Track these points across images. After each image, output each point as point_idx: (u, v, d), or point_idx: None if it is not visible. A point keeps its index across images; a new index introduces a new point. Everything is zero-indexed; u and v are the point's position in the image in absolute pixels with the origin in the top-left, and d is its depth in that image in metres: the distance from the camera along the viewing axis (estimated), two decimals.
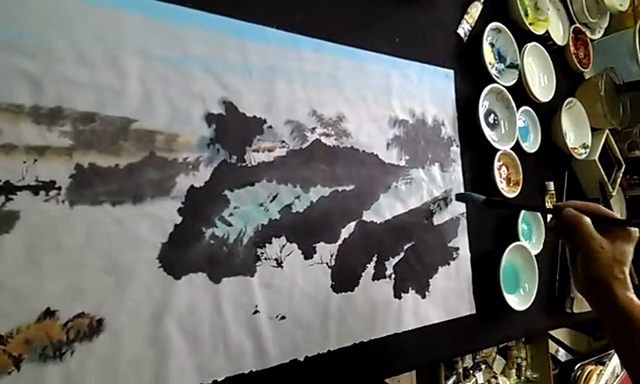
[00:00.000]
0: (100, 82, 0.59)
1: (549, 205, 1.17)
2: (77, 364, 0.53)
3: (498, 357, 1.19)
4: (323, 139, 0.78)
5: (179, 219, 0.62)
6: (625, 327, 0.58)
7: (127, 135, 0.60)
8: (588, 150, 1.25)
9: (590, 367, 1.61)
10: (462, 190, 0.97)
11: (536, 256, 1.05)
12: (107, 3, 0.60)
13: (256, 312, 0.67)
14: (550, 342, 2.12)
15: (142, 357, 0.58)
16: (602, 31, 1.44)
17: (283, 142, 0.74)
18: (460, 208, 0.96)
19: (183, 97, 0.65)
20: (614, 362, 1.66)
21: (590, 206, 0.68)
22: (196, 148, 0.65)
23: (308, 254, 0.74)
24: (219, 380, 0.63)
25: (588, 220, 0.64)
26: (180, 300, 0.61)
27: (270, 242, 0.70)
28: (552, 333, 2.08)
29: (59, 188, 0.54)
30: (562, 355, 2.26)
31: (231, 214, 0.67)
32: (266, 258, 0.69)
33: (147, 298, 0.59)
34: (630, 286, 0.60)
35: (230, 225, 0.66)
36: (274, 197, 0.71)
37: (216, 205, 0.66)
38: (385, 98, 0.88)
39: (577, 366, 1.58)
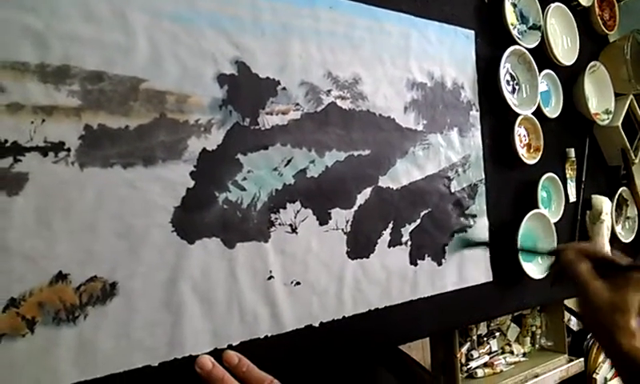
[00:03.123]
0: (107, 39, 0.56)
1: (569, 172, 1.13)
2: (90, 327, 0.53)
3: (512, 324, 1.18)
4: (339, 102, 0.76)
5: (192, 183, 0.61)
6: (632, 376, 0.56)
7: (137, 95, 0.58)
8: (611, 116, 1.21)
9: None
10: (480, 157, 0.95)
11: (555, 224, 1.02)
12: None
13: (270, 277, 0.66)
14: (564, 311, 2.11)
15: (156, 321, 0.57)
16: None
17: (297, 104, 0.71)
18: (479, 174, 0.94)
19: (193, 56, 0.62)
20: None
21: (590, 249, 0.65)
22: (208, 110, 0.63)
23: (323, 219, 0.72)
24: (234, 344, 0.62)
25: (586, 266, 0.61)
26: (194, 265, 0.60)
27: (285, 208, 0.69)
28: (565, 302, 2.07)
29: (68, 149, 0.53)
30: (574, 324, 2.24)
31: (245, 179, 0.65)
32: (280, 224, 0.68)
33: (161, 262, 0.58)
34: (637, 332, 0.56)
35: (243, 189, 0.65)
36: (289, 161, 0.69)
37: (229, 169, 0.64)
38: (403, 60, 0.85)
39: (589, 336, 1.58)
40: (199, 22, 0.63)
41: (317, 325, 0.70)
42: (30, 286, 0.49)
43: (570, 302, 2.12)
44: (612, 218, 1.18)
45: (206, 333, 0.60)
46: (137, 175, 0.57)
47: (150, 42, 0.59)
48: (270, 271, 0.66)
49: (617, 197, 1.22)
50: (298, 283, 0.69)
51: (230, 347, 0.61)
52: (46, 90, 0.52)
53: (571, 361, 1.23)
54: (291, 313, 0.67)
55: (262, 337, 0.64)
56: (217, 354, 0.59)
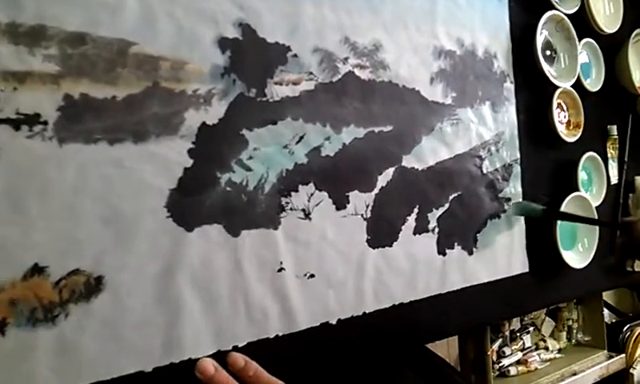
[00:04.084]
0: None
1: (610, 151, 1.03)
2: (73, 328, 0.45)
3: (547, 318, 1.09)
4: (357, 71, 0.67)
5: (190, 162, 0.53)
6: None
7: (125, 61, 0.50)
8: None
9: (639, 329, 1.51)
10: (515, 134, 0.85)
11: (597, 208, 0.93)
12: None
13: (281, 269, 0.58)
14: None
15: (150, 319, 0.50)
16: None
17: (310, 73, 0.63)
18: (513, 153, 0.85)
19: (191, 16, 0.54)
20: None
21: None
22: (208, 78, 0.55)
23: (340, 203, 0.64)
24: (240, 345, 0.55)
25: None
26: (193, 254, 0.53)
27: (296, 190, 0.61)
28: None
29: (45, 122, 0.46)
30: (606, 316, 2.14)
31: (250, 157, 0.57)
32: (291, 209, 0.60)
33: (155, 252, 0.51)
34: None
35: (249, 169, 0.57)
36: (301, 138, 0.61)
37: (233, 146, 0.56)
38: (429, 25, 0.76)
39: (625, 328, 1.49)
40: None
41: (334, 322, 0.62)
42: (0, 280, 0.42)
43: (605, 294, 2.02)
44: None
45: (207, 332, 0.53)
46: (125, 152, 0.50)
47: (141, 0, 0.52)
48: (281, 262, 0.59)
49: None
50: (313, 275, 0.61)
51: (236, 349, 0.54)
52: (18, 53, 0.45)
53: (611, 357, 1.13)
54: (305, 309, 0.60)
55: (271, 336, 0.57)
56: (220, 356, 0.52)
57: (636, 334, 1.52)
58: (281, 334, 0.58)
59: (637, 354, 1.46)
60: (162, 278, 0.51)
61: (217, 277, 0.54)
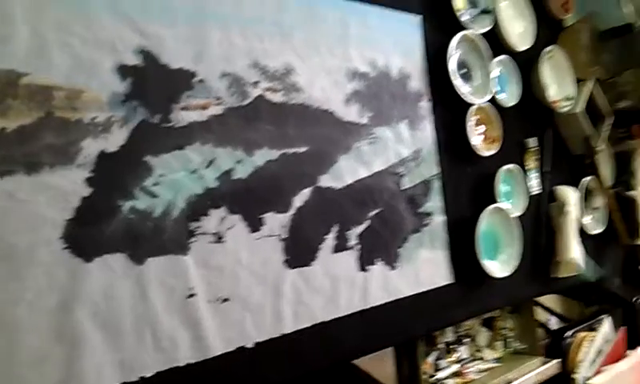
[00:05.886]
0: None
1: (530, 163, 1.08)
2: None
3: (482, 329, 1.11)
4: (268, 95, 0.68)
5: (88, 191, 0.52)
6: None
7: (16, 92, 0.50)
8: (572, 103, 1.16)
9: (581, 334, 1.56)
10: (433, 151, 0.88)
11: (518, 218, 0.96)
12: None
13: (192, 295, 0.58)
14: (542, 311, 2.07)
15: (46, 355, 0.48)
16: None
17: (219, 98, 0.64)
18: (432, 169, 0.87)
19: (88, 45, 0.54)
20: (606, 327, 1.61)
21: None
22: (106, 106, 0.55)
23: (254, 226, 0.64)
24: (148, 376, 0.53)
25: None
26: (93, 286, 0.52)
27: (207, 215, 0.61)
28: (543, 301, 2.03)
29: None
30: (554, 324, 2.21)
31: (156, 183, 0.57)
32: (202, 233, 0.60)
33: (51, 286, 0.50)
34: None
35: (154, 196, 0.57)
36: (210, 162, 0.62)
37: (135, 173, 0.56)
38: (341, 48, 0.78)
39: (568, 334, 1.53)
40: (94, 6, 0.55)
41: (251, 346, 0.62)
42: None
43: (549, 301, 2.08)
44: (579, 209, 1.13)
45: (111, 365, 0.51)
46: (17, 185, 0.49)
47: (33, 31, 0.51)
48: (191, 288, 0.58)
49: (583, 187, 1.17)
50: (227, 300, 0.61)
51: (143, 379, 0.53)
52: None
53: (546, 363, 1.16)
54: (218, 334, 0.59)
55: (182, 365, 0.56)
56: None
57: (578, 338, 1.58)
58: (193, 362, 0.57)
59: (578, 359, 1.50)
60: (59, 311, 0.50)
61: (120, 307, 0.53)
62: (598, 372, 1.45)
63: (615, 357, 1.56)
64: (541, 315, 2.03)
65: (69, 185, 0.51)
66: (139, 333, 0.54)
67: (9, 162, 0.48)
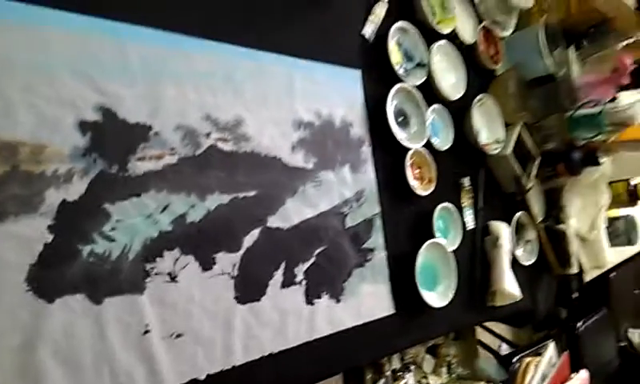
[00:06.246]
0: None
1: (465, 201, 1.18)
2: None
3: (427, 356, 1.18)
4: (220, 144, 0.75)
5: (50, 237, 0.57)
6: None
7: None
8: (502, 145, 1.28)
9: (527, 359, 1.64)
10: (375, 191, 0.96)
11: (453, 252, 1.05)
12: None
13: (147, 332, 0.62)
14: (493, 338, 2.17)
15: None
16: (512, 28, 1.46)
17: (173, 149, 0.70)
18: (374, 208, 0.95)
19: (50, 104, 0.59)
20: (550, 351, 1.71)
21: None
22: (67, 159, 0.60)
23: (206, 265, 0.70)
24: None
25: None
26: (55, 325, 0.56)
27: (161, 256, 0.66)
28: (493, 328, 2.13)
29: None
30: (505, 349, 2.31)
31: (113, 229, 0.62)
32: (156, 274, 0.65)
33: (14, 326, 0.53)
34: None
35: (112, 240, 0.61)
36: (165, 207, 0.67)
37: (94, 219, 0.61)
38: (287, 101, 0.86)
39: (515, 359, 1.61)
40: (57, 68, 0.61)
41: (203, 378, 0.66)
42: None
43: (500, 329, 2.19)
44: (512, 242, 1.23)
45: None
46: None
47: (0, 93, 0.56)
48: (147, 325, 0.62)
49: (515, 221, 1.28)
50: (180, 335, 0.65)
51: None
52: None
53: None
54: (172, 367, 0.64)
55: None
56: None
57: (525, 363, 1.66)
58: None
59: (525, 382, 1.59)
60: (22, 350, 0.53)
61: (80, 345, 0.57)
62: None
63: (560, 380, 1.64)
64: (492, 342, 2.13)
65: (32, 232, 0.56)
66: (98, 369, 0.58)
67: None
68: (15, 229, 0.55)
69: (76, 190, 0.60)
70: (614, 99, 1.46)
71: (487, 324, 2.09)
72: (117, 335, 0.60)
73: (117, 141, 0.64)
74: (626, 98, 1.46)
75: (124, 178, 0.64)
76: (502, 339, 2.21)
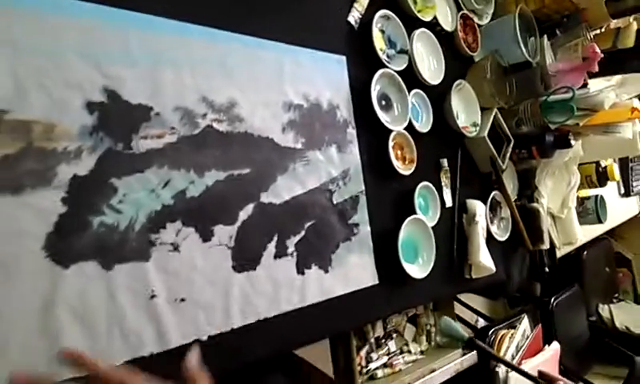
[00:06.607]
0: None
1: (444, 180, 1.25)
2: None
3: (408, 325, 1.25)
4: (215, 125, 0.80)
5: (63, 209, 0.62)
6: None
7: (1, 126, 0.59)
8: (478, 128, 1.35)
9: (502, 331, 1.73)
10: (360, 170, 1.02)
11: (433, 227, 1.12)
12: None
13: (153, 296, 0.68)
14: (470, 312, 2.27)
15: (33, 346, 0.57)
16: (490, 16, 1.53)
17: (173, 128, 0.74)
18: (359, 186, 1.01)
19: (60, 86, 0.64)
20: (524, 325, 1.80)
21: None
22: (76, 137, 0.64)
23: (206, 237, 0.75)
24: (117, 364, 0.63)
25: None
26: (70, 289, 0.61)
27: (164, 228, 0.71)
28: (470, 303, 2.23)
29: None
30: (482, 323, 2.42)
31: (120, 202, 0.67)
32: (161, 243, 0.70)
33: (35, 290, 0.58)
34: None
35: (119, 212, 0.67)
36: (166, 183, 0.72)
37: (103, 193, 0.66)
38: (277, 84, 0.91)
39: (490, 332, 1.70)
40: (65, 53, 0.65)
41: (204, 338, 0.72)
42: None
43: (476, 304, 2.28)
44: (487, 219, 1.31)
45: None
46: (5, 204, 0.57)
47: (13, 75, 0.60)
48: (153, 290, 0.68)
49: (490, 200, 1.36)
50: (183, 300, 0.71)
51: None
52: None
53: (465, 354, 1.32)
54: (177, 329, 0.69)
55: (146, 355, 0.66)
56: None
57: (500, 335, 1.75)
58: (155, 352, 0.66)
59: (501, 354, 1.68)
60: (42, 312, 0.58)
61: (93, 307, 0.62)
62: (518, 364, 1.62)
63: (533, 351, 1.73)
64: (470, 316, 2.23)
65: (47, 203, 0.61)
66: (110, 329, 0.63)
67: None
68: (32, 200, 0.59)
69: (85, 165, 0.65)
70: (584, 86, 1.54)
71: (464, 299, 2.19)
72: (126, 299, 0.65)
73: (121, 120, 0.69)
74: (596, 85, 1.55)
75: (129, 155, 0.69)
76: (479, 314, 2.31)
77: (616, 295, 3.08)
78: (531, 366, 1.63)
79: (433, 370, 1.18)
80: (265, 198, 0.84)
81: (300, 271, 0.87)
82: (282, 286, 0.83)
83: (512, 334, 1.70)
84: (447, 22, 1.36)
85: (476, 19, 1.47)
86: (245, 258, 0.79)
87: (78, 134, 0.64)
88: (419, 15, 1.23)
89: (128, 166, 0.69)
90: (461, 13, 1.40)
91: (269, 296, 0.81)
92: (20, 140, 0.60)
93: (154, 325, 0.67)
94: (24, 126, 0.60)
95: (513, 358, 1.63)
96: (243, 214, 0.81)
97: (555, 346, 1.80)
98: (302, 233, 0.89)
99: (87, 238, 0.63)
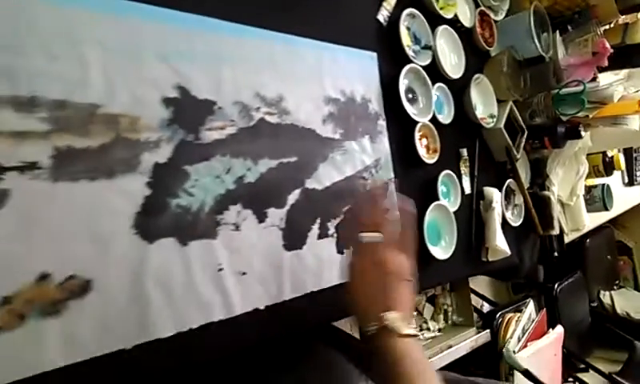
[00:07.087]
0: (66, 72, 0.65)
1: (463, 169, 1.33)
2: (72, 318, 0.61)
3: (427, 304, 1.35)
4: (267, 117, 0.88)
5: (148, 191, 0.71)
6: None
7: (95, 119, 0.67)
8: (495, 120, 1.43)
9: (509, 315, 1.83)
10: (389, 159, 1.11)
11: (454, 213, 1.21)
12: (66, 3, 0.67)
13: (221, 269, 0.77)
14: (475, 297, 2.37)
15: (126, 310, 0.66)
16: (505, 12, 1.61)
17: (232, 120, 0.83)
18: (388, 173, 1.10)
19: (141, 83, 0.72)
20: (530, 309, 1.90)
21: None
22: (157, 129, 0.73)
23: (261, 218, 0.84)
24: (194, 327, 0.72)
25: None
26: (155, 261, 0.70)
27: (228, 210, 0.80)
28: (476, 289, 2.33)
29: (41, 168, 0.61)
30: (487, 308, 2.52)
31: (193, 186, 0.76)
32: (225, 223, 0.79)
33: (126, 261, 0.67)
34: None
35: (192, 195, 0.75)
36: (229, 169, 0.81)
37: (179, 178, 0.74)
38: (318, 79, 0.99)
39: (497, 315, 1.80)
40: (145, 54, 0.74)
41: (262, 308, 0.81)
42: (18, 285, 0.57)
43: (483, 290, 2.38)
44: (502, 205, 1.40)
45: (169, 320, 0.70)
46: (101, 187, 0.66)
47: (103, 73, 0.69)
48: (220, 264, 0.77)
49: (505, 188, 1.44)
50: (244, 273, 0.80)
51: (191, 330, 0.72)
52: (19, 119, 0.60)
53: (479, 333, 1.42)
54: (241, 299, 0.78)
55: (216, 320, 0.75)
56: (179, 337, 0.70)
57: (506, 319, 1.85)
58: (223, 318, 0.76)
59: (507, 336, 1.77)
60: (133, 280, 0.67)
61: (173, 277, 0.71)
62: (523, 346, 1.72)
63: (538, 334, 1.83)
64: (475, 301, 2.33)
65: (135, 187, 0.69)
66: (186, 298, 0.72)
67: (95, 171, 0.66)
68: (123, 184, 0.68)
69: (164, 154, 0.73)
70: (594, 79, 1.62)
71: (472, 285, 2.30)
72: (199, 271, 0.74)
73: (191, 114, 0.78)
74: (605, 78, 1.63)
75: (198, 145, 0.78)
76: (484, 298, 2.42)
77: (617, 282, 3.18)
78: (536, 347, 1.73)
79: (450, 346, 1.28)
80: (309, 184, 0.93)
81: (340, 251, 0.96)
82: (324, 264, 0.92)
83: (518, 318, 1.80)
84: (466, 18, 1.44)
85: (492, 15, 1.54)
86: (293, 238, 0.88)
87: (157, 126, 0.73)
88: (441, 12, 1.31)
89: (198, 154, 0.77)
90: (479, 9, 1.48)
91: (313, 272, 0.90)
92: (112, 131, 0.69)
93: (222, 295, 0.76)
94: (113, 119, 0.69)
95: (519, 340, 1.73)
96: (291, 198, 0.90)
97: (559, 329, 1.89)
98: (342, 216, 0.98)
99: (167, 217, 0.72)
